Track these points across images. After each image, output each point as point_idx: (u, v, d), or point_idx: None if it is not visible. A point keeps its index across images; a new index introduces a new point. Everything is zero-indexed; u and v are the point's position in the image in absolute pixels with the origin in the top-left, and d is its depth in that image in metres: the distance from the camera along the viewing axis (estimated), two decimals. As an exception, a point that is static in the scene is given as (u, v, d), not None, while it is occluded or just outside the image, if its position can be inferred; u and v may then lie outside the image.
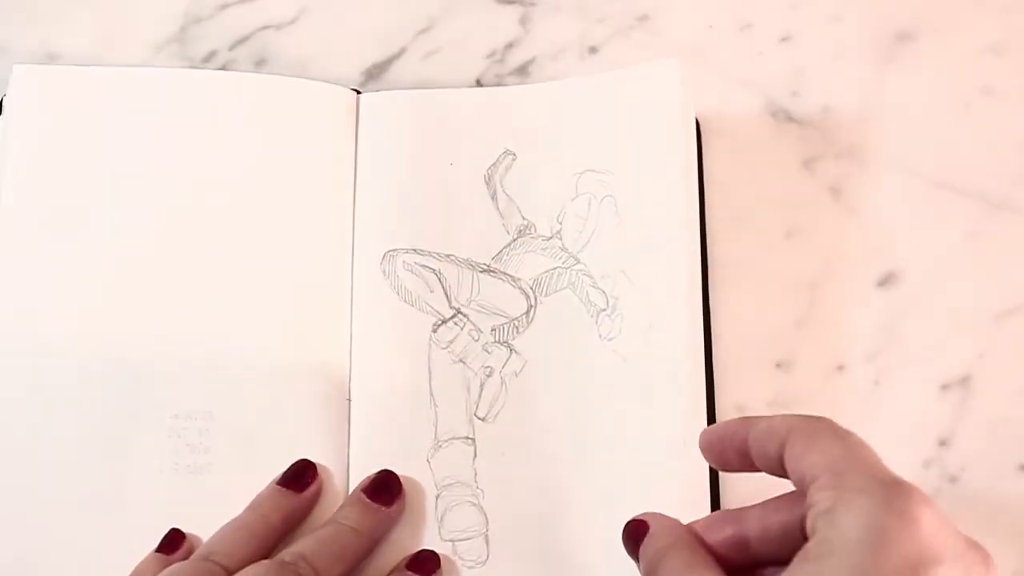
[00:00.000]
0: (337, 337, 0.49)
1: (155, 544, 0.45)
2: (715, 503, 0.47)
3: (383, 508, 0.46)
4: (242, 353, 0.48)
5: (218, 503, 0.45)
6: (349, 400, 0.48)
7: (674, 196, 0.49)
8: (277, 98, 0.51)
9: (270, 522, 0.45)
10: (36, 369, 0.47)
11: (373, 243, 0.50)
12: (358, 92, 0.52)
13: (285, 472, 0.46)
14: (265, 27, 0.53)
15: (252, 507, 0.45)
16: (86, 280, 0.48)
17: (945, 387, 0.51)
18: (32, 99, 0.50)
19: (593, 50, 0.55)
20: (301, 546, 0.43)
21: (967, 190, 0.54)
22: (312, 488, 0.46)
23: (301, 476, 0.46)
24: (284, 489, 0.46)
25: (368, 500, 0.46)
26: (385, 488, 0.46)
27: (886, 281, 0.52)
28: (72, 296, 0.48)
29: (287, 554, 0.43)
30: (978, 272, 0.53)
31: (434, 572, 0.45)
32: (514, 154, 0.51)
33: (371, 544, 0.45)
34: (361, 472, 0.47)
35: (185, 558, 0.44)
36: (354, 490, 0.46)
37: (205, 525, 0.45)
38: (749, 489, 0.48)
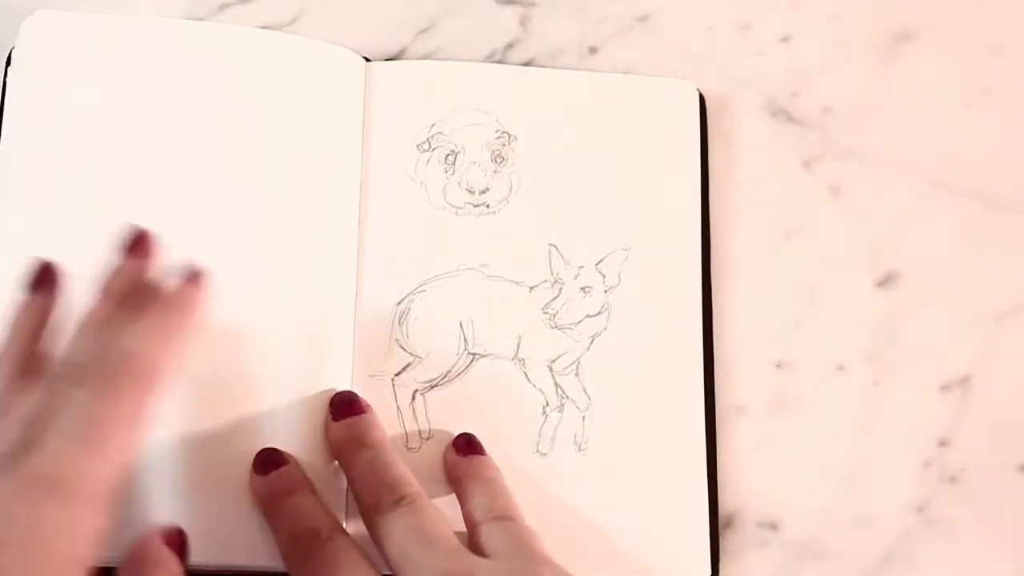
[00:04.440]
0: (343, 306, 0.48)
1: None
2: (713, 503, 0.47)
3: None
4: (242, 314, 0.48)
5: None
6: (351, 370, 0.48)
7: (682, 217, 0.51)
8: (290, 56, 0.50)
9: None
10: None
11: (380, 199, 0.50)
12: (367, 60, 0.52)
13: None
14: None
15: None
16: (93, 225, 0.48)
17: (945, 387, 0.51)
18: (44, 44, 0.50)
19: (593, 50, 0.55)
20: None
21: (967, 190, 0.54)
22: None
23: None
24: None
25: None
26: None
27: (886, 281, 0.52)
28: (80, 243, 0.48)
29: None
30: (978, 272, 0.53)
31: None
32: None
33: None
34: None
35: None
36: None
37: None
38: (748, 490, 0.49)
